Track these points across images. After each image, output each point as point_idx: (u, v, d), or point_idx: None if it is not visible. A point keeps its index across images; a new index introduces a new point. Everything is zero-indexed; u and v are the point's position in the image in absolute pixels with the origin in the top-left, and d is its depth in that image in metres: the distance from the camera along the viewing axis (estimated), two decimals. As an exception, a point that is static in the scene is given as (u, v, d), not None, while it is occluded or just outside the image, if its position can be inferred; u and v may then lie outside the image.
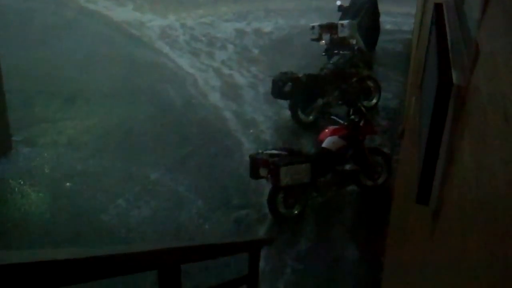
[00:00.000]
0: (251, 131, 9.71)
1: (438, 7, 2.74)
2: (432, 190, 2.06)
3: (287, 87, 9.43)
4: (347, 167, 7.88)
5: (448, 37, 2.29)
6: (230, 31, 14.26)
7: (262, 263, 5.63)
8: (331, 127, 7.98)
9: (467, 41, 2.00)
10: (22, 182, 7.98)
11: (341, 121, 7.98)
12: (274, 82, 9.55)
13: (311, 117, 9.72)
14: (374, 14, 12.38)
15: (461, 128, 1.87)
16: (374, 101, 10.25)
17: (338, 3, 12.36)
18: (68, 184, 8.04)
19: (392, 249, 5.26)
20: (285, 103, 9.89)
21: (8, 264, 1.58)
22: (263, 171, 7.31)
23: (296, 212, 7.59)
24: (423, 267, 2.42)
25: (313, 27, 11.50)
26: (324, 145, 7.79)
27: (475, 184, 1.59)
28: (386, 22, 13.41)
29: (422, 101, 2.72)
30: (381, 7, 12.70)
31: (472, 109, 1.73)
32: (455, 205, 1.86)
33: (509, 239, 1.17)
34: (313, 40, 11.57)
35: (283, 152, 7.53)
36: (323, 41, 11.30)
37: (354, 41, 10.91)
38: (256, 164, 7.36)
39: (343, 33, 11.02)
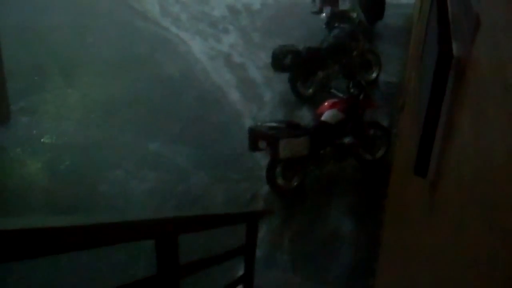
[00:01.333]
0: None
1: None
2: (430, 161, 2.06)
3: (286, 60, 9.38)
4: (346, 140, 7.88)
5: (449, 9, 2.27)
6: (223, 8, 13.97)
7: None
8: (331, 100, 7.95)
9: (468, 12, 1.98)
10: (20, 151, 7.98)
11: (341, 95, 7.96)
12: (274, 55, 9.50)
13: (310, 90, 9.70)
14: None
15: (460, 99, 1.86)
16: (374, 74, 10.20)
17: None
18: (66, 153, 8.05)
19: (390, 224, 5.29)
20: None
21: (4, 230, 1.58)
22: (262, 144, 7.29)
23: (295, 184, 7.60)
24: (421, 240, 2.43)
25: (313, 0, 11.43)
26: (323, 118, 7.78)
27: (474, 154, 1.59)
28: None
29: (422, 73, 2.70)
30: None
31: (472, 80, 1.72)
32: (453, 176, 1.86)
33: (506, 208, 1.18)
34: (313, 13, 11.51)
35: (282, 125, 7.51)
36: (324, 14, 11.21)
37: (355, 14, 10.83)
38: (255, 137, 7.35)
39: (343, 6, 10.95)
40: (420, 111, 2.33)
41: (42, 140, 8.30)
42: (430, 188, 2.19)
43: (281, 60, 9.43)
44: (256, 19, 13.31)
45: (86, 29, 12.25)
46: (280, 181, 7.50)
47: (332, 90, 8.23)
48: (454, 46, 1.93)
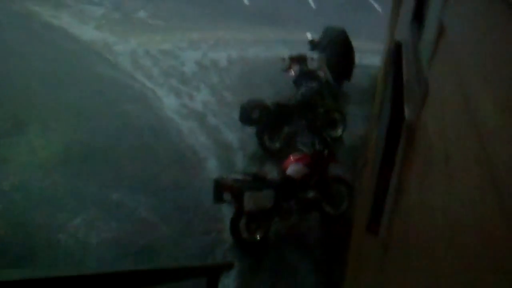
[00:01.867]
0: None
1: (397, 45, 2.85)
2: (381, 220, 2.13)
3: (255, 114, 9.52)
4: (310, 194, 7.98)
5: (404, 75, 2.39)
6: (191, 64, 14.15)
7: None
8: (296, 155, 8.08)
9: (420, 79, 2.10)
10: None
11: (306, 150, 8.09)
12: (243, 108, 9.63)
13: (277, 145, 9.82)
14: (345, 49, 12.64)
15: (409, 162, 1.95)
16: (340, 132, 10.43)
17: (309, 37, 12.63)
18: (27, 199, 7.91)
19: (350, 278, 5.33)
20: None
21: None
22: (226, 196, 7.30)
23: (258, 237, 7.61)
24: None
25: (283, 59, 11.75)
26: (288, 172, 7.88)
27: (418, 219, 1.67)
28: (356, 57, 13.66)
29: (377, 134, 2.81)
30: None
31: (420, 145, 1.82)
32: (401, 236, 1.93)
33: (443, 274, 1.25)
34: (283, 70, 11.79)
35: (247, 177, 7.56)
36: (292, 72, 11.49)
37: (322, 74, 11.13)
38: (220, 188, 7.35)
39: (312, 65, 11.25)
40: (374, 169, 2.42)
41: (1, 186, 8.16)
42: (382, 245, 2.25)
43: (249, 114, 9.56)
44: (225, 76, 13.53)
45: (57, 77, 12.26)
46: (244, 233, 7.50)
47: (298, 145, 8.37)
48: (406, 109, 2.03)
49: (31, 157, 9.02)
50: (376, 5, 21.17)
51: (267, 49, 15.60)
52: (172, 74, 13.35)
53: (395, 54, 2.73)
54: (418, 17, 2.86)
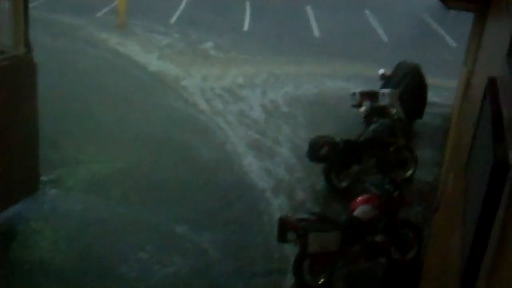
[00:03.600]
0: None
1: (492, 82, 2.56)
2: (478, 279, 1.84)
3: (323, 151, 9.30)
4: (378, 238, 7.60)
5: (504, 114, 2.11)
6: (257, 107, 13.76)
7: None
8: (365, 196, 7.77)
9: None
10: (44, 224, 7.88)
11: (375, 191, 7.75)
12: (311, 145, 9.45)
13: (344, 183, 9.54)
14: (418, 85, 12.26)
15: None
16: (410, 172, 10.02)
17: (381, 71, 12.31)
18: (91, 229, 7.92)
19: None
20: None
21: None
22: (290, 235, 7.08)
23: (321, 280, 7.28)
24: None
25: (354, 94, 11.53)
26: (355, 213, 7.58)
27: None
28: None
29: (469, 182, 2.52)
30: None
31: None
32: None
33: None
34: (353, 106, 11.54)
35: (312, 217, 7.32)
36: (363, 108, 11.21)
37: (394, 110, 10.79)
38: (284, 227, 7.15)
39: (383, 101, 10.95)
40: (467, 224, 2.12)
41: (67, 214, 8.20)
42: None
43: (317, 151, 9.36)
44: (295, 114, 13.26)
45: (129, 106, 12.45)
46: (307, 276, 7.19)
47: (367, 185, 8.04)
48: (511, 155, 1.76)
49: (94, 185, 9.07)
50: (449, 39, 20.57)
51: (337, 84, 15.34)
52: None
53: (490, 91, 2.46)
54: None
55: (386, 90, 11.19)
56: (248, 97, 13.84)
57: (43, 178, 8.74)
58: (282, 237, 7.19)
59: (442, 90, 14.41)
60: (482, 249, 1.81)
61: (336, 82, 15.48)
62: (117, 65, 15.27)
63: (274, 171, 10.21)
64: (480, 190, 1.90)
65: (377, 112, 10.77)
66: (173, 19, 20.66)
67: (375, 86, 12.15)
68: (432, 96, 13.27)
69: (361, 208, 7.61)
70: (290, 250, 7.59)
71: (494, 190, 1.74)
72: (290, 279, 7.30)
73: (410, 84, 11.99)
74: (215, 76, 15.14)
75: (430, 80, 12.83)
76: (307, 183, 9.89)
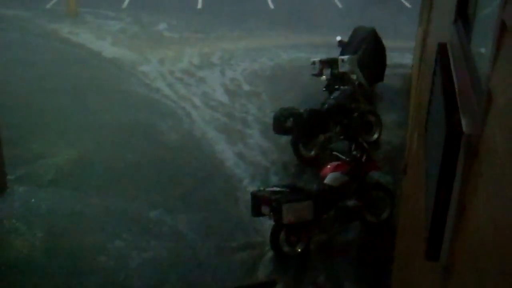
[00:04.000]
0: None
1: (442, 47, 2.64)
2: (442, 245, 1.94)
3: (288, 123, 9.38)
4: (350, 203, 7.75)
5: (455, 80, 2.19)
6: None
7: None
8: (333, 163, 7.87)
9: (477, 86, 1.90)
10: (16, 223, 7.82)
11: (343, 157, 7.87)
12: (276, 118, 9.51)
13: (312, 153, 9.63)
14: (376, 48, 12.35)
15: (474, 179, 1.75)
16: (376, 136, 10.19)
17: (338, 38, 12.37)
18: (65, 223, 7.88)
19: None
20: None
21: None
22: (264, 209, 7.19)
23: (299, 250, 7.43)
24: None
25: (313, 62, 11.54)
26: (326, 181, 7.68)
27: (492, 239, 1.47)
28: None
29: (427, 143, 2.61)
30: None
31: (487, 160, 1.62)
32: (469, 260, 1.73)
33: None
34: (314, 75, 11.58)
35: (285, 189, 7.42)
36: (324, 76, 11.28)
37: (354, 76, 10.89)
38: (257, 202, 7.25)
39: (343, 68, 11.03)
40: (428, 188, 2.21)
41: (40, 210, 8.14)
42: (443, 271, 2.05)
43: (282, 123, 9.43)
44: (253, 83, 13.35)
45: (88, 95, 12.31)
46: (284, 247, 7.32)
47: (334, 152, 8.15)
48: (463, 121, 1.84)
49: (62, 178, 9.01)
50: (404, 1, 20.75)
51: (295, 54, 15.39)
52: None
53: (440, 57, 2.53)
54: (463, 16, 2.66)
55: (345, 57, 11.26)
56: (208, 78, 13.77)
57: (10, 176, 8.64)
58: (256, 212, 7.30)
59: (402, 52, 14.59)
60: (443, 214, 1.90)
61: (295, 53, 15.53)
62: (71, 55, 15.06)
63: (243, 152, 10.27)
64: (437, 156, 1.98)
65: (338, 79, 10.87)
66: (124, 4, 20.40)
67: (334, 53, 12.22)
68: (391, 58, 13.43)
69: (331, 175, 7.71)
70: (266, 224, 7.71)
71: (449, 159, 1.82)
72: (269, 251, 7.41)
73: (368, 49, 12.07)
74: (171, 59, 15.03)
75: (388, 42, 12.95)
76: (275, 156, 9.99)
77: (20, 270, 6.96)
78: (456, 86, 2.16)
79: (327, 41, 14.71)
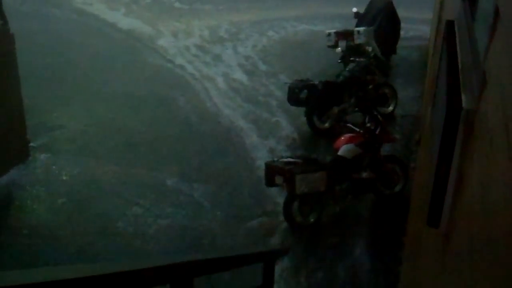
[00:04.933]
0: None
1: (449, 25, 2.73)
2: (442, 213, 2.07)
3: (303, 94, 9.44)
4: (364, 175, 7.84)
5: (459, 58, 2.29)
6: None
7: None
8: (347, 135, 7.95)
9: (476, 64, 2.00)
10: (39, 189, 8.06)
11: (357, 129, 7.96)
12: (290, 89, 9.57)
13: (326, 124, 9.71)
14: (392, 21, 12.32)
15: (470, 152, 1.87)
16: (391, 108, 10.22)
17: (354, 10, 12.33)
18: (84, 190, 8.11)
19: (408, 265, 5.25)
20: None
21: (10, 286, 1.60)
22: (278, 179, 7.31)
23: (312, 220, 7.58)
24: None
25: (329, 34, 11.51)
26: (340, 153, 7.77)
27: (482, 209, 1.60)
28: (403, 28, 13.28)
29: (434, 117, 2.72)
30: (399, 13, 12.64)
31: (480, 135, 1.74)
32: (464, 228, 1.86)
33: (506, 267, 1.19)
34: (329, 47, 11.57)
35: (298, 160, 7.52)
36: (339, 48, 11.27)
37: (370, 48, 10.88)
38: (271, 172, 7.38)
39: (359, 40, 11.01)
40: (432, 159, 2.34)
41: (60, 177, 8.38)
42: (443, 238, 2.19)
43: (297, 95, 9.49)
44: (270, 57, 13.38)
45: (109, 67, 12.45)
46: (297, 217, 7.48)
47: (349, 124, 8.22)
48: (464, 97, 1.95)
49: (81, 146, 9.22)
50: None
51: (310, 25, 15.36)
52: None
53: (447, 35, 2.62)
54: (471, -6, 2.74)
55: (361, 28, 11.23)
56: (222, 56, 13.72)
57: (32, 144, 8.86)
58: (270, 182, 7.44)
59: (420, 23, 14.48)
60: (444, 184, 2.03)
61: (309, 24, 15.48)
62: (87, 26, 15.12)
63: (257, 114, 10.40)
64: (439, 130, 2.10)
65: (353, 51, 10.86)
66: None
67: (350, 25, 12.20)
68: (408, 30, 13.37)
69: (344, 147, 7.80)
70: (280, 194, 7.88)
71: (449, 132, 1.94)
72: (282, 220, 7.58)
73: (384, 21, 12.05)
74: (183, 32, 15.01)
75: (407, 13, 12.89)
76: (291, 127, 10.10)
77: (42, 234, 7.20)
78: (459, 64, 2.26)
79: (343, 12, 14.61)
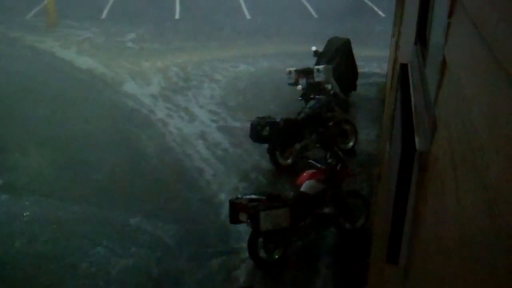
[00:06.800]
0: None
1: (403, 68, 2.86)
2: (400, 251, 2.15)
3: (265, 131, 9.56)
4: (326, 210, 7.95)
5: (412, 101, 2.42)
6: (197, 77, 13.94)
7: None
8: (309, 171, 8.07)
9: (428, 108, 2.12)
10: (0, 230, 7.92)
11: (319, 165, 8.09)
12: (253, 126, 9.68)
13: (289, 161, 9.83)
14: (350, 58, 12.67)
15: (424, 192, 1.98)
16: (351, 144, 10.42)
17: (314, 48, 12.63)
18: (46, 230, 8.00)
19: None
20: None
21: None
22: (242, 216, 7.33)
23: (276, 256, 7.60)
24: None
25: (289, 72, 11.74)
26: (302, 189, 7.88)
27: (435, 248, 1.69)
28: (362, 66, 13.65)
29: (391, 157, 2.83)
30: (357, 51, 13.01)
31: (433, 176, 1.84)
32: (421, 265, 1.95)
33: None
34: (290, 84, 11.79)
35: (262, 197, 7.58)
36: (300, 86, 11.49)
37: (329, 86, 11.14)
38: (235, 209, 7.39)
39: (319, 77, 11.26)
40: (390, 199, 2.44)
41: (21, 218, 8.24)
42: (403, 273, 2.27)
43: (259, 132, 9.60)
44: (231, 94, 13.54)
45: (69, 105, 12.38)
46: (262, 253, 7.50)
47: (310, 161, 8.35)
48: (417, 140, 2.06)
49: (42, 186, 9.11)
50: (377, 9, 21.14)
51: (271, 63, 15.60)
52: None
53: (401, 77, 2.75)
54: (422, 40, 2.88)
55: (321, 66, 11.51)
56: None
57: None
58: (234, 219, 7.44)
59: (377, 61, 14.88)
60: (400, 225, 2.12)
61: (270, 62, 15.73)
62: (40, 59, 15.04)
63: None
64: (395, 171, 2.20)
65: (313, 88, 11.10)
66: (104, 14, 20.54)
67: (309, 63, 12.47)
68: (366, 67, 13.73)
69: (307, 183, 7.92)
70: (244, 231, 7.90)
71: (405, 171, 2.04)
72: (246, 257, 7.59)
73: (342, 59, 12.39)
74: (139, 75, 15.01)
75: (364, 51, 13.25)
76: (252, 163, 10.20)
77: (3, 276, 7.06)
78: (413, 106, 2.38)
79: (302, 51, 14.93)
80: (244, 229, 7.86)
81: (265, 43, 17.45)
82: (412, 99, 2.45)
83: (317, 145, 9.78)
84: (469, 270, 1.30)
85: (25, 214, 8.35)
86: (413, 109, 2.34)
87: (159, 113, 12.24)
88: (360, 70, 13.24)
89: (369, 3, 22.04)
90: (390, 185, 2.51)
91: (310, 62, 12.50)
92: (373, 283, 5.22)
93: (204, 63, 15.66)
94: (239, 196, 7.85)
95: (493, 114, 1.21)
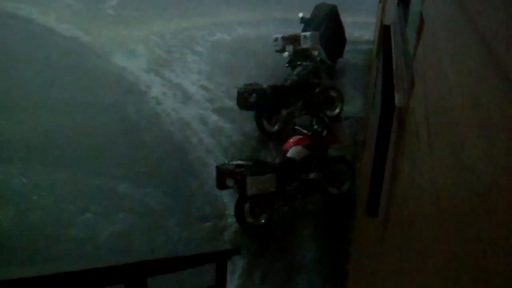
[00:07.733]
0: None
1: (385, 29, 2.91)
2: (380, 203, 2.23)
3: (252, 98, 9.57)
4: (312, 175, 8.07)
5: (393, 60, 2.46)
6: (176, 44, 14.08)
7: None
8: (295, 137, 8.16)
9: (408, 65, 2.17)
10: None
11: (305, 131, 8.16)
12: (239, 94, 9.68)
13: (276, 127, 9.90)
14: (336, 25, 12.63)
15: (401, 147, 2.04)
16: (337, 110, 10.48)
17: (300, 14, 12.57)
18: (33, 197, 8.02)
19: (354, 258, 5.45)
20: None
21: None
22: (229, 182, 7.42)
23: (262, 221, 7.72)
24: (377, 273, 2.59)
25: (276, 39, 11.69)
26: (288, 154, 7.97)
27: (411, 201, 1.76)
28: (348, 33, 13.61)
29: (372, 117, 2.89)
30: (344, 18, 12.97)
31: (409, 129, 1.90)
32: (398, 218, 2.03)
33: (434, 250, 1.34)
34: (276, 51, 11.76)
35: (248, 163, 7.66)
36: (286, 53, 11.47)
37: (316, 52, 11.12)
38: (222, 175, 7.48)
39: (305, 44, 11.22)
40: (371, 156, 2.51)
41: (8, 185, 8.25)
42: (381, 226, 2.35)
43: (246, 99, 9.61)
44: (216, 60, 13.52)
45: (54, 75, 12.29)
46: (248, 218, 7.61)
47: (297, 127, 8.42)
48: (396, 96, 2.11)
49: (29, 153, 9.10)
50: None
51: (258, 30, 15.51)
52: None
53: (384, 38, 2.80)
54: (404, 1, 2.93)
55: (307, 33, 11.46)
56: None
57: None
58: (221, 185, 7.54)
59: (365, 28, 14.84)
60: (379, 179, 2.19)
61: (256, 28, 15.62)
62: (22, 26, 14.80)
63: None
64: (376, 127, 2.26)
65: (300, 55, 11.09)
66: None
67: (296, 29, 12.42)
68: (354, 34, 13.70)
69: (293, 149, 8.01)
70: (231, 196, 8.00)
71: (385, 126, 2.10)
72: (234, 222, 7.71)
73: (329, 25, 12.34)
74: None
75: (352, 18, 13.20)
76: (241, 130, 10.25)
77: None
78: (394, 65, 2.43)
79: (290, 17, 14.83)
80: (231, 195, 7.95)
81: (250, 10, 17.24)
82: (393, 58, 2.50)
83: (304, 111, 9.82)
84: (443, 214, 1.37)
85: (11, 180, 8.35)
86: (393, 68, 2.39)
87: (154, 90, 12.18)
88: (347, 37, 13.20)
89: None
90: (372, 144, 2.58)
91: (298, 29, 12.45)
92: (356, 242, 5.35)
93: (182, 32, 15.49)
94: (226, 162, 7.93)
95: (460, 63, 1.26)
